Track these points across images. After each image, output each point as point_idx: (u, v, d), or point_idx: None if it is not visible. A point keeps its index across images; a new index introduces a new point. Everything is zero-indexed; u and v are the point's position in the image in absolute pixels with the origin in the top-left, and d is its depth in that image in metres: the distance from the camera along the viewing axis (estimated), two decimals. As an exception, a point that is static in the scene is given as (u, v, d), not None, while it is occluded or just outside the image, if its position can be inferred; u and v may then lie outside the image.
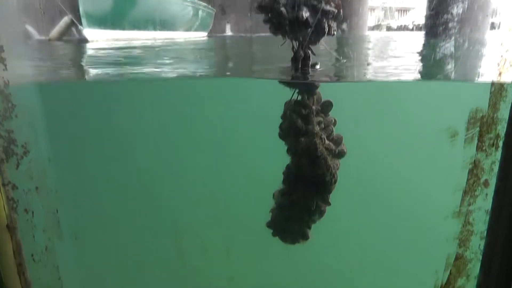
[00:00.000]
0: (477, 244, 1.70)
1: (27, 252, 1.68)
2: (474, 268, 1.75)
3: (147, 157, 1.68)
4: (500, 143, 1.55)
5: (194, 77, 1.83)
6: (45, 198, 1.66)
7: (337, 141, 1.86)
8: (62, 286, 1.77)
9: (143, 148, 1.69)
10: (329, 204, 1.94)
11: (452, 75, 1.57)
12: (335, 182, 1.89)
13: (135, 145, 1.69)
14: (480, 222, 1.67)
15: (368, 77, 1.79)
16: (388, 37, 2.54)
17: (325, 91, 1.78)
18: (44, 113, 1.58)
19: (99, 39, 3.23)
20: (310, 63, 1.87)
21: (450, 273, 1.75)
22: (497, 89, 1.50)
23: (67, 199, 1.68)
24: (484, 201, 1.64)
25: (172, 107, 1.80)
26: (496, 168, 1.61)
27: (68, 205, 1.69)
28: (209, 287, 1.83)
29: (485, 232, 1.72)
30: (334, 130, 1.87)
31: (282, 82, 1.81)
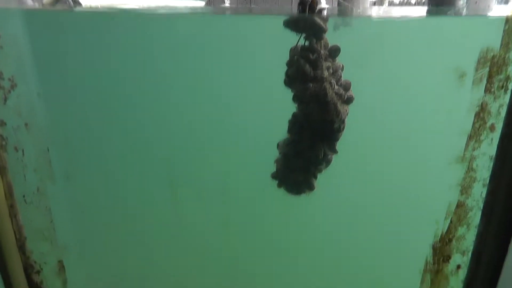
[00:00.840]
0: (479, 191, 1.68)
1: (18, 193, 1.64)
2: (475, 216, 1.73)
3: (143, 92, 1.61)
4: (510, 86, 1.50)
5: (190, 13, 1.74)
6: (35, 135, 1.60)
7: (346, 87, 1.80)
8: (54, 229, 1.73)
9: (138, 84, 1.62)
10: (336, 152, 1.90)
11: (463, 11, 1.50)
12: (343, 129, 1.84)
13: (130, 80, 1.62)
14: (484, 168, 1.64)
15: (373, 14, 1.71)
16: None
17: (331, 37, 1.71)
18: (32, 45, 1.50)
19: (92, 4, 3.13)
20: (317, 8, 1.79)
21: (451, 221, 1.73)
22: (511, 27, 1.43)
23: (58, 137, 1.62)
24: (489, 147, 1.60)
25: (167, 43, 1.72)
26: (503, 112, 1.57)
27: (59, 143, 1.63)
28: (203, 233, 1.81)
29: (488, 179, 1.69)
30: (342, 75, 1.81)
31: (287, 23, 1.72)
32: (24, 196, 1.67)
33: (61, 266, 1.81)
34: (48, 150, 1.63)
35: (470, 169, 1.68)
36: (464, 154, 1.66)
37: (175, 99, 1.74)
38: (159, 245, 1.82)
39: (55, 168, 1.65)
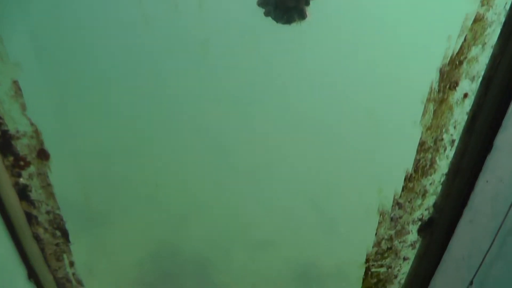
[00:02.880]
0: (503, 2, 1.46)
1: None
2: (493, 34, 1.55)
3: None
4: None
5: None
6: None
7: None
8: (2, 42, 1.50)
9: None
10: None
11: None
12: None
13: None
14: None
15: None
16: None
17: None
18: None
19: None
20: None
21: (465, 39, 1.54)
22: None
23: None
24: None
25: None
26: None
27: None
28: (182, 71, 1.62)
29: (516, -16, 1.47)
30: None
31: None
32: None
33: (17, 88, 1.63)
34: None
35: (497, -30, 1.44)
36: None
37: None
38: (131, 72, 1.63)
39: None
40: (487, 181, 1.70)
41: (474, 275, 1.76)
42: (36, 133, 1.76)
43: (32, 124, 1.73)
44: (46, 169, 1.87)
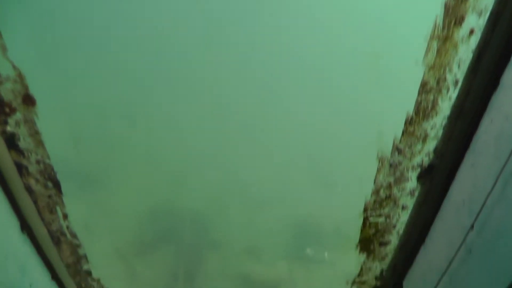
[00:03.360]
0: None
1: None
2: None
3: None
4: None
5: None
6: None
7: None
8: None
9: None
10: None
11: None
12: None
13: None
14: None
15: None
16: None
17: None
18: None
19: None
20: None
21: (473, -32, 1.44)
22: None
23: None
24: None
25: None
26: None
27: None
28: None
29: None
30: None
31: None
32: None
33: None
34: None
35: None
36: None
37: None
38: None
39: None
40: (491, 121, 1.64)
41: (475, 219, 1.73)
42: (20, 77, 1.68)
43: (14, 67, 1.65)
44: (33, 116, 1.80)
